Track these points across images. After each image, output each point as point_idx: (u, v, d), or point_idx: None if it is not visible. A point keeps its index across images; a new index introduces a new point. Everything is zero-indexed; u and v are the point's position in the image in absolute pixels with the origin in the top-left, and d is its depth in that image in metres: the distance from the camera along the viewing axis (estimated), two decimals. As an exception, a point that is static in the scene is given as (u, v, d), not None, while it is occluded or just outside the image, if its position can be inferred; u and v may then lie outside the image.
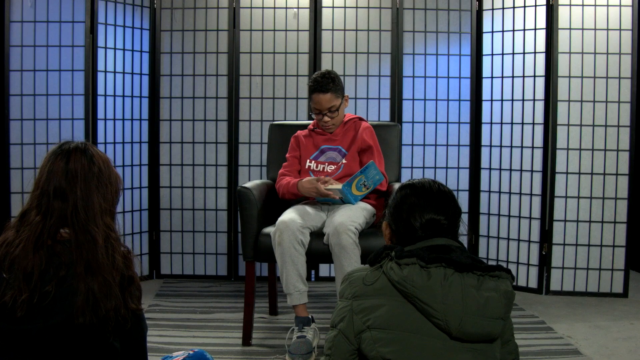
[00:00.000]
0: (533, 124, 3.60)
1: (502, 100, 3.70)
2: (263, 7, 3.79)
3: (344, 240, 2.52)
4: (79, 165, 1.52)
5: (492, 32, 3.72)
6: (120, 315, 1.49)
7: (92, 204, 1.51)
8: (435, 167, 3.80)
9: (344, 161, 2.91)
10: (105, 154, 1.61)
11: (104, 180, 1.55)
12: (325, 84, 2.80)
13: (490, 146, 3.75)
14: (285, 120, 3.75)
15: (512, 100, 3.66)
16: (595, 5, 3.49)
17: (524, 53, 3.62)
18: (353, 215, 2.62)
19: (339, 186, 2.70)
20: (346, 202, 2.77)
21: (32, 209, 1.52)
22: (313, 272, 3.84)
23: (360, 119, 3.00)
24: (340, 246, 2.52)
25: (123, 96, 3.71)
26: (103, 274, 1.46)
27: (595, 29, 3.50)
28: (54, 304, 1.44)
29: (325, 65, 3.76)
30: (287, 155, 3.03)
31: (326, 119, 2.88)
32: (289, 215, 2.65)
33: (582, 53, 3.51)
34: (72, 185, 1.50)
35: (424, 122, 3.79)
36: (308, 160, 2.96)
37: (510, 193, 3.68)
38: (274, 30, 3.79)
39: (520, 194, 3.65)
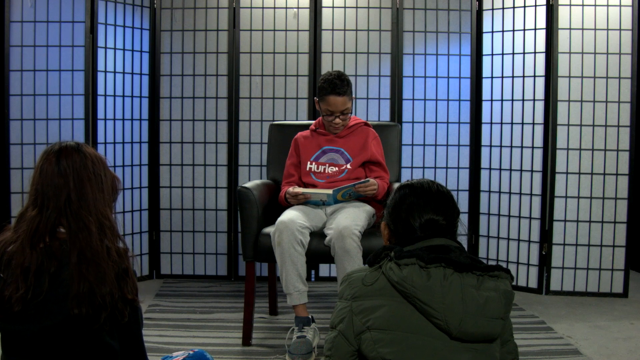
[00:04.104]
0: (533, 124, 3.60)
1: (502, 100, 3.70)
2: (263, 7, 3.79)
3: (348, 245, 2.51)
4: (71, 161, 1.54)
5: (492, 32, 3.72)
6: (117, 307, 1.48)
7: (85, 194, 1.52)
8: (435, 167, 3.80)
9: (348, 167, 2.91)
10: (100, 155, 1.62)
11: (97, 173, 1.56)
12: (341, 86, 2.80)
13: (490, 146, 3.75)
14: (285, 120, 3.75)
15: (512, 100, 3.66)
16: (595, 5, 3.49)
17: (524, 53, 3.62)
18: (356, 218, 2.62)
19: (329, 191, 2.74)
20: (327, 204, 2.82)
21: (29, 207, 1.54)
22: (313, 272, 3.84)
23: (366, 124, 3.00)
24: (344, 250, 2.52)
25: (123, 96, 3.71)
26: (97, 261, 1.47)
27: (595, 29, 3.50)
28: (51, 305, 1.45)
29: (325, 65, 3.76)
30: (287, 162, 3.02)
31: (338, 120, 2.88)
32: (289, 215, 2.65)
33: (582, 53, 3.51)
34: (65, 179, 1.52)
35: (424, 122, 3.79)
36: (309, 162, 2.95)
37: (510, 193, 3.68)
38: (274, 30, 3.79)
39: (520, 194, 3.65)
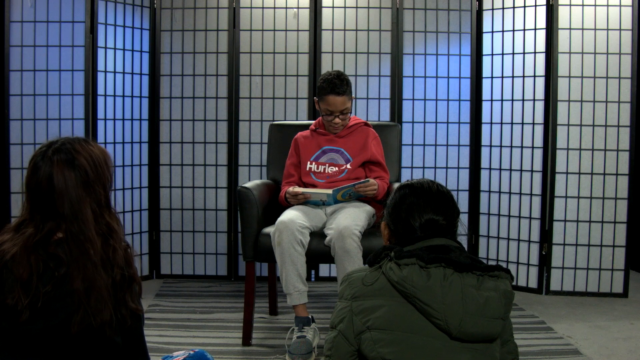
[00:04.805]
0: (533, 124, 3.60)
1: (502, 100, 3.70)
2: (263, 7, 3.79)
3: (348, 245, 2.51)
4: (61, 176, 1.47)
5: (492, 32, 3.72)
6: (120, 314, 1.48)
7: (82, 215, 1.47)
8: (435, 167, 3.80)
9: (348, 167, 2.91)
10: (89, 144, 1.55)
11: (92, 180, 1.50)
12: (340, 86, 2.80)
13: (490, 146, 3.75)
14: (285, 120, 3.75)
15: (512, 100, 3.66)
16: (595, 5, 3.49)
17: (524, 53, 3.62)
18: (356, 218, 2.62)
19: (329, 191, 2.74)
20: (327, 204, 2.82)
21: (28, 222, 1.49)
22: (313, 272, 3.84)
23: (366, 124, 3.00)
24: (345, 250, 2.52)
25: (123, 96, 3.71)
26: (97, 290, 1.44)
27: (595, 29, 3.50)
28: (54, 304, 1.44)
29: (325, 65, 3.76)
30: (287, 162, 3.03)
31: (337, 120, 2.88)
32: (289, 215, 2.65)
33: (582, 53, 3.51)
34: (58, 199, 1.46)
35: (424, 122, 3.79)
36: (309, 162, 2.95)
37: (510, 193, 3.68)
38: (274, 30, 3.79)
39: (520, 194, 3.65)
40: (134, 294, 1.52)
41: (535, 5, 3.57)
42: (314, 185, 2.91)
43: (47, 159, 1.49)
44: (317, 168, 2.94)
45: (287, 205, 2.86)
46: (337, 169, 2.92)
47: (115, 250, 1.49)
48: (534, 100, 3.59)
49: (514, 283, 3.60)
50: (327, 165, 2.93)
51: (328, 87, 2.80)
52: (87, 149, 1.53)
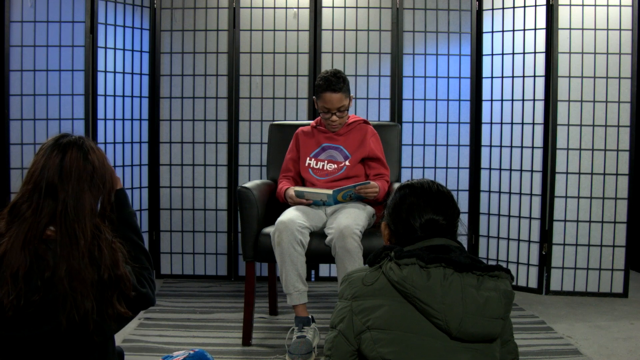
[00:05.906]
0: (533, 124, 3.60)
1: (502, 100, 3.70)
2: (263, 7, 3.79)
3: (349, 244, 2.51)
4: (74, 163, 1.51)
5: (492, 32, 3.72)
6: (106, 315, 1.48)
7: (82, 205, 1.49)
8: (435, 167, 3.80)
9: (347, 163, 2.91)
10: (101, 150, 1.60)
11: (97, 180, 1.53)
12: (337, 83, 2.81)
13: (490, 146, 3.75)
14: (285, 120, 3.75)
15: (512, 100, 3.66)
16: (595, 5, 3.49)
17: (524, 53, 3.62)
18: (357, 218, 2.62)
19: (329, 192, 2.74)
20: (327, 204, 2.81)
21: (23, 203, 1.50)
22: (313, 272, 3.84)
23: (366, 122, 3.00)
24: (345, 249, 2.52)
25: (123, 96, 3.71)
26: (81, 276, 1.45)
27: (595, 29, 3.50)
28: (43, 311, 1.43)
29: (325, 65, 3.76)
30: (286, 155, 3.03)
31: (334, 118, 2.88)
32: (289, 215, 2.65)
33: (582, 53, 3.51)
34: (64, 183, 1.49)
35: (424, 122, 3.79)
36: (308, 158, 2.96)
37: (510, 193, 3.69)
38: (274, 30, 3.80)
39: (520, 194, 3.65)
40: (123, 296, 1.51)
41: (535, 5, 3.57)
42: (312, 183, 2.91)
43: (62, 147, 1.53)
44: (316, 165, 2.94)
45: (285, 200, 2.86)
46: (335, 166, 2.92)
47: (101, 249, 1.50)
48: (534, 100, 3.59)
49: (514, 283, 3.60)
50: (326, 162, 2.94)
51: (324, 84, 2.82)
52: (100, 151, 1.59)
